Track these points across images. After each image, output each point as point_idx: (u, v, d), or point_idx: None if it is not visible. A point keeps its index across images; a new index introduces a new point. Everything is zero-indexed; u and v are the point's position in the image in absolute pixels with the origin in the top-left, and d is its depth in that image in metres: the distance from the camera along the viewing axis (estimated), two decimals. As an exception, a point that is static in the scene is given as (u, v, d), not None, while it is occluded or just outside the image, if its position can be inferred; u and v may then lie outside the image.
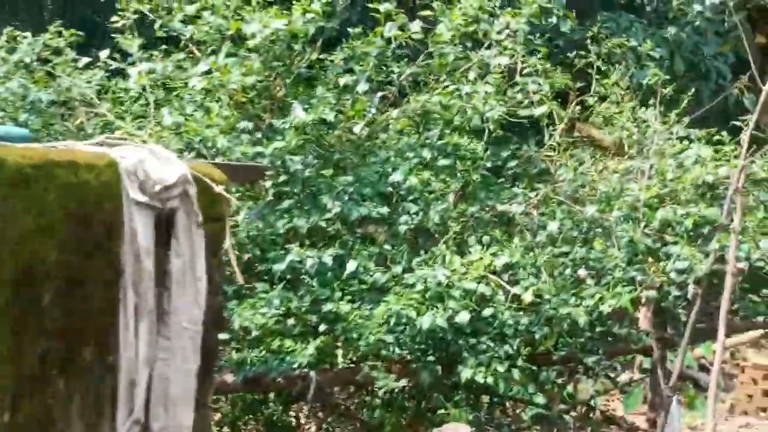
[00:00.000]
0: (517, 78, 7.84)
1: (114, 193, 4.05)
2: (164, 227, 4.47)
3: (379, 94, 8.01)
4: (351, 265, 6.90)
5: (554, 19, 9.03)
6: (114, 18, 8.53)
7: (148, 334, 4.20)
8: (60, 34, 8.96)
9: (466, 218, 7.78)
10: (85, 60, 8.87)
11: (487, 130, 8.14)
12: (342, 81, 7.75)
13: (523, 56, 7.90)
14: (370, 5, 8.33)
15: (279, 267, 7.03)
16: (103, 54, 8.79)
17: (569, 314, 6.93)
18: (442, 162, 7.64)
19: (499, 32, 7.94)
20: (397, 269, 7.13)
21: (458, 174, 7.72)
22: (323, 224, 7.20)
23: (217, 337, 5.10)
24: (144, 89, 7.99)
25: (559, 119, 8.54)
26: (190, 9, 7.59)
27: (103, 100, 8.95)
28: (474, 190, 7.88)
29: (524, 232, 7.68)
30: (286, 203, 7.57)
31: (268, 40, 7.20)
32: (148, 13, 8.14)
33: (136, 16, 8.32)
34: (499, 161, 8.37)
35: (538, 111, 7.57)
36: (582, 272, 7.24)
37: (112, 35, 8.66)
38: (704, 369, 12.35)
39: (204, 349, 4.66)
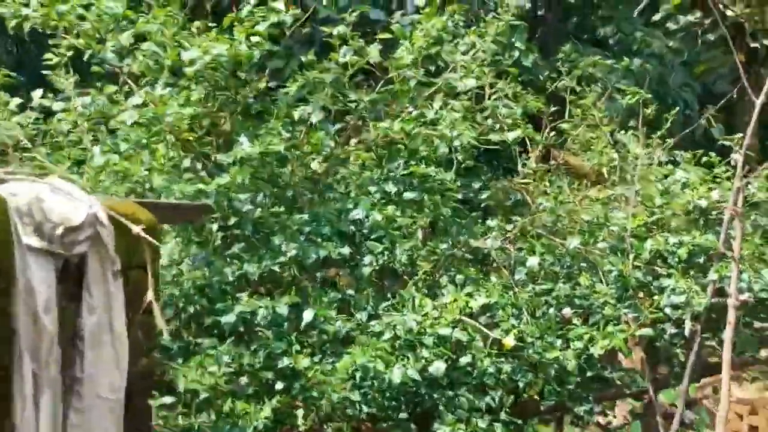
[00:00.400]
0: (486, 102, 7.25)
1: (2, 239, 3.36)
2: (73, 278, 3.82)
3: (336, 126, 7.37)
4: (308, 314, 6.20)
5: (516, 53, 8.46)
6: (47, 55, 7.87)
7: (52, 407, 3.50)
8: (-8, 77, 8.37)
9: (437, 256, 7.13)
10: (16, 101, 8.20)
11: (455, 160, 7.56)
12: (296, 113, 7.12)
13: (492, 78, 7.32)
14: (323, 28, 7.75)
15: (228, 319, 6.30)
16: (36, 94, 8.12)
17: (556, 358, 6.27)
18: (408, 195, 6.99)
19: (464, 53, 7.36)
20: (362, 316, 6.45)
21: (426, 208, 7.07)
22: (276, 269, 6.50)
23: (149, 405, 4.38)
24: (75, 128, 7.30)
25: (534, 145, 7.98)
26: (124, 38, 6.92)
27: (39, 144, 8.31)
28: (444, 226, 7.23)
29: (501, 270, 7.04)
30: (235, 247, 6.88)
31: (208, 67, 6.54)
32: (81, 47, 7.47)
33: (70, 53, 7.65)
34: (471, 193, 7.75)
35: (511, 135, 6.98)
36: (567, 311, 6.60)
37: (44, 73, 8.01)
38: (687, 405, 11.73)
39: (132, 420, 3.99)
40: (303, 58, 7.54)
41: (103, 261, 3.80)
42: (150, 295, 3.76)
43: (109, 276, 3.83)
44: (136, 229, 3.61)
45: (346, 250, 6.68)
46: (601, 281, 6.66)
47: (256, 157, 6.45)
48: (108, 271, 3.82)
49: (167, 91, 6.68)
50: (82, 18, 7.26)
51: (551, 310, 6.64)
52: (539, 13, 17.08)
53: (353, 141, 7.37)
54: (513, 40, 8.26)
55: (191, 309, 6.67)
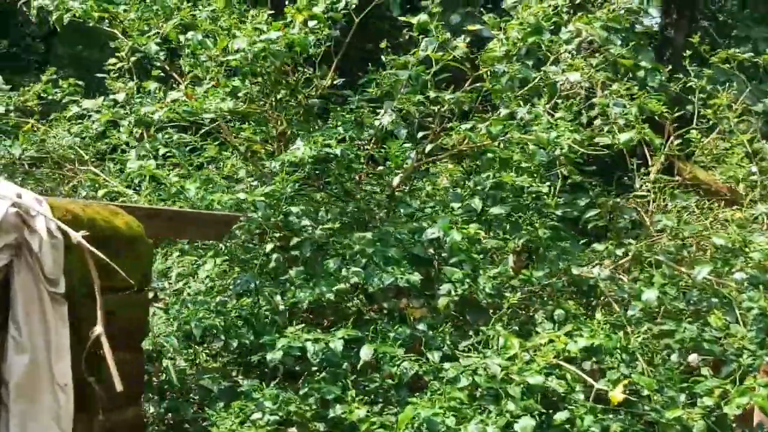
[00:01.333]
0: (595, 99, 6.09)
1: None
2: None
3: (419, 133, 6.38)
4: (366, 352, 5.19)
5: (642, 73, 7.28)
6: (111, 60, 7.17)
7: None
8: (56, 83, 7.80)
9: (532, 286, 6.00)
10: (75, 110, 7.57)
11: (559, 172, 6.47)
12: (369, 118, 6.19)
13: (599, 72, 6.17)
14: (402, 18, 6.77)
15: (273, 356, 5.35)
16: (90, 103, 7.46)
17: (678, 418, 5.04)
18: (494, 211, 5.90)
19: (567, 42, 6.23)
20: (434, 357, 5.36)
21: (519, 227, 5.96)
22: (332, 297, 5.51)
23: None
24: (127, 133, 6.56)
25: (656, 154, 6.75)
26: (169, 27, 6.11)
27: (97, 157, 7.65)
28: (541, 249, 6.09)
29: (611, 305, 5.86)
30: (293, 271, 5.92)
31: (259, 57, 5.64)
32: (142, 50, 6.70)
33: (134, 57, 6.91)
34: (575, 211, 6.57)
35: (624, 137, 5.79)
36: (694, 358, 5.37)
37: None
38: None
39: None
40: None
41: (37, 281, 2.82)
42: (98, 330, 2.81)
43: (47, 301, 2.86)
44: (76, 235, 2.66)
45: (415, 277, 5.63)
46: (738, 321, 5.39)
47: (308, 161, 5.49)
48: (44, 294, 2.84)
49: (210, 85, 5.80)
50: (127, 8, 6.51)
51: (673, 357, 5.43)
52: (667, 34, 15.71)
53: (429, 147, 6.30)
54: (639, 57, 7.20)
55: (234, 343, 5.75)
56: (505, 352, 5.16)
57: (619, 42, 6.45)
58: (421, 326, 5.66)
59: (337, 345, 5.30)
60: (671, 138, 7.04)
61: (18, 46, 14.90)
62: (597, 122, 6.03)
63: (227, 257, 5.82)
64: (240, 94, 5.83)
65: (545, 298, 6.11)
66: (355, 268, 5.65)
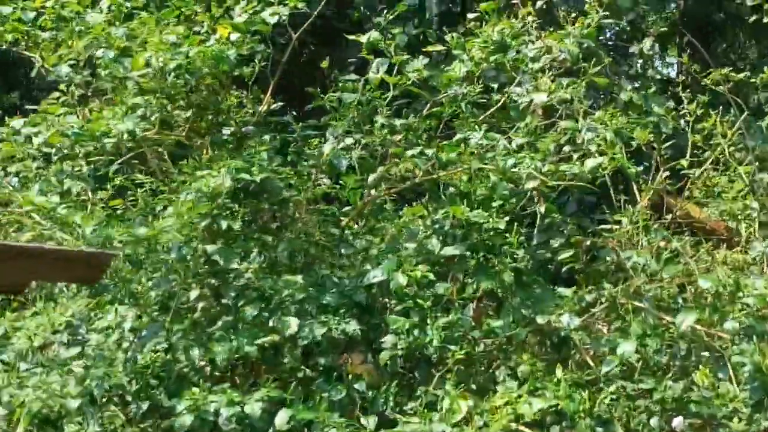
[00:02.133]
0: (562, 123, 5.39)
1: None
2: None
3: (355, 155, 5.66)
4: (281, 417, 4.44)
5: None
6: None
7: None
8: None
9: (494, 338, 5.26)
10: None
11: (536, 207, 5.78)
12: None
13: (571, 90, 5.48)
14: (350, 37, 6.14)
15: (182, 421, 4.61)
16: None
17: (659, 496, 4.27)
18: (448, 251, 5.18)
19: (534, 59, 5.56)
20: (370, 423, 4.61)
21: (483, 271, 5.23)
22: (251, 351, 4.78)
23: None
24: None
25: (644, 190, 6.02)
26: (80, 46, 5.48)
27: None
28: (505, 295, 5.35)
29: (582, 356, 5.11)
30: (221, 321, 5.21)
31: (169, 74, 5.00)
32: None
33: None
34: (548, 252, 5.83)
35: (589, 163, 5.07)
36: (678, 423, 4.60)
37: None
38: None
39: None
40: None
41: None
42: None
43: None
44: None
45: (352, 327, 4.91)
46: (730, 380, 4.63)
47: (224, 190, 4.80)
48: None
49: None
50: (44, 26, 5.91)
51: (653, 421, 4.65)
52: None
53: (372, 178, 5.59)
54: (651, 104, 6.60)
55: (144, 406, 5.02)
56: (451, 416, 4.39)
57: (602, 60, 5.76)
58: (359, 385, 4.91)
59: (255, 408, 4.56)
60: (661, 170, 6.33)
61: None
62: (566, 149, 5.31)
63: (134, 303, 5.11)
64: (152, 117, 5.17)
65: (509, 352, 5.34)
66: (285, 317, 4.93)
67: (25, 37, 6.05)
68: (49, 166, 5.56)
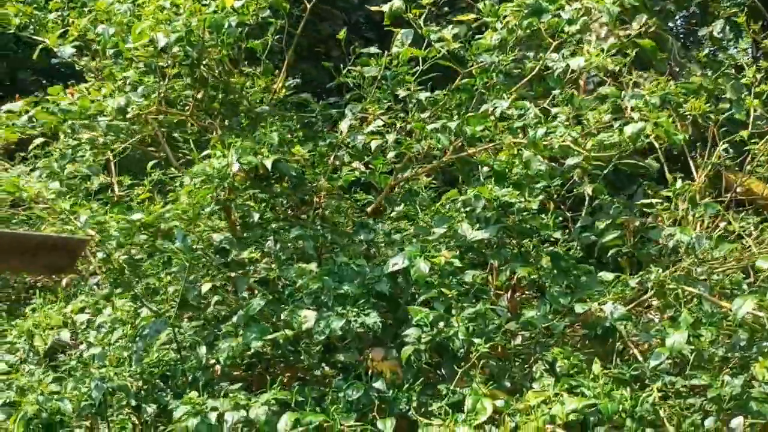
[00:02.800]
0: (604, 89, 4.89)
1: None
2: None
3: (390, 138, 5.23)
4: (284, 421, 4.03)
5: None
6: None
7: None
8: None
9: (532, 330, 4.80)
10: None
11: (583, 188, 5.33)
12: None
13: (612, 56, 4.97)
14: (372, 8, 5.72)
15: (187, 425, 4.24)
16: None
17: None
18: (475, 235, 4.72)
19: (570, 22, 5.07)
20: (387, 426, 4.19)
21: (520, 257, 4.78)
22: (258, 347, 4.41)
23: None
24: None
25: (702, 165, 5.50)
26: (82, 23, 5.15)
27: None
28: (542, 282, 4.89)
29: (629, 350, 4.62)
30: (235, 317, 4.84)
31: (170, 47, 4.64)
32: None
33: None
34: (589, 233, 5.35)
35: (628, 129, 4.54)
36: (737, 423, 4.09)
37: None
38: None
39: None
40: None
41: None
42: None
43: None
44: None
45: (372, 319, 4.49)
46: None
47: (228, 173, 4.42)
48: None
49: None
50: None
51: (708, 422, 4.14)
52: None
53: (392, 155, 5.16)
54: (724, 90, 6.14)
55: (150, 409, 4.68)
56: (474, 417, 3.95)
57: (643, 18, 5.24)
58: (379, 384, 4.49)
59: (259, 414, 4.17)
60: (719, 144, 5.78)
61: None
62: (605, 118, 4.80)
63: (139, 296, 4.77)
64: (153, 95, 4.82)
65: (548, 346, 4.88)
66: (298, 309, 4.53)
67: (32, 20, 5.75)
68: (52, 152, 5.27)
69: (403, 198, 5.64)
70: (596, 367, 4.01)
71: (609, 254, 5.27)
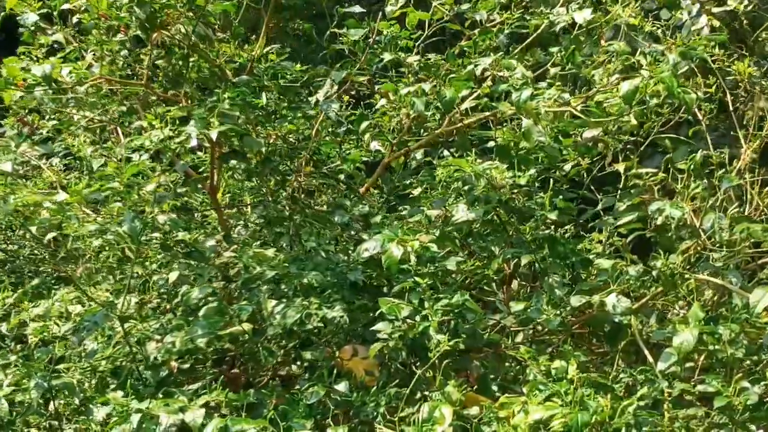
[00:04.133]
0: (614, 44, 4.25)
1: None
2: None
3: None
4: (210, 430, 3.55)
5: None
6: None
7: None
8: None
9: (526, 326, 4.24)
10: None
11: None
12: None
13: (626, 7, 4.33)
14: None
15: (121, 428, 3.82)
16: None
17: None
18: (459, 217, 4.17)
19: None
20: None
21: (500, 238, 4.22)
22: (202, 343, 3.95)
23: None
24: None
25: (751, 137, 4.85)
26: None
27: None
28: (543, 270, 4.30)
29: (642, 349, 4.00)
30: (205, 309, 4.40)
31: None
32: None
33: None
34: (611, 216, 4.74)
35: (625, 86, 3.88)
36: None
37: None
38: None
39: None
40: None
41: None
42: None
43: None
44: None
45: (336, 312, 3.98)
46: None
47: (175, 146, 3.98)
48: None
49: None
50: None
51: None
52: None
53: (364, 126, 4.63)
54: None
55: (101, 411, 4.26)
56: (429, 428, 3.41)
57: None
58: (342, 387, 3.98)
59: (195, 417, 3.70)
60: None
61: None
62: (613, 78, 4.18)
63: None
64: (103, 61, 4.40)
65: (552, 344, 4.30)
66: (254, 300, 4.06)
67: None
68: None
69: (399, 176, 5.13)
70: (572, 371, 3.41)
71: (628, 239, 4.63)
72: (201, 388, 4.16)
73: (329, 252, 4.33)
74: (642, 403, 3.25)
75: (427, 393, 3.83)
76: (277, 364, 4.40)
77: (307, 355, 4.29)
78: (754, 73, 5.08)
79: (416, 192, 5.09)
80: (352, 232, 4.65)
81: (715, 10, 6.24)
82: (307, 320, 4.04)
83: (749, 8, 6.40)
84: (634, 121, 4.54)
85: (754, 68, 5.07)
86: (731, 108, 5.40)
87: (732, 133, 5.33)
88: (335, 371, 4.12)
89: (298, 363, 4.41)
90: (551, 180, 4.36)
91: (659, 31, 4.49)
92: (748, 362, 3.93)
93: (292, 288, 4.14)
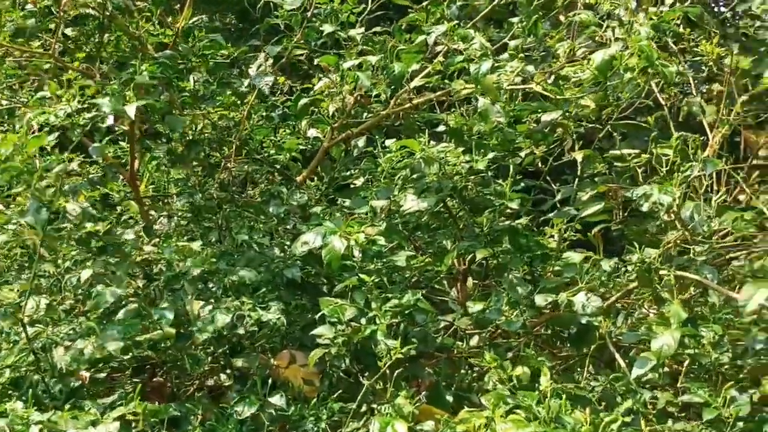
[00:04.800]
0: (579, 15, 3.83)
1: None
2: None
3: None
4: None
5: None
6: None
7: None
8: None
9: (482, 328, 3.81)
10: None
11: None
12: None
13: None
14: None
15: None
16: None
17: None
18: (410, 206, 3.73)
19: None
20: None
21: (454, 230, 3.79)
22: (114, 349, 3.44)
23: None
24: None
25: (719, 122, 4.49)
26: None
27: None
28: (502, 265, 3.88)
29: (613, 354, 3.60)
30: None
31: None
32: None
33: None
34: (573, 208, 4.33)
35: (597, 57, 3.48)
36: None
37: None
38: None
39: None
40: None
41: None
42: None
43: None
44: None
45: (270, 315, 3.51)
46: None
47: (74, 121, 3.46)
48: None
49: None
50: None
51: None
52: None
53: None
54: None
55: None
56: (382, 442, 2.96)
57: None
58: (277, 399, 3.50)
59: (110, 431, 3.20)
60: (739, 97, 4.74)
61: None
62: (580, 52, 3.76)
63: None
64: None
65: (511, 346, 3.88)
66: (174, 301, 3.56)
67: None
68: None
69: (340, 166, 4.66)
70: (544, 380, 2.98)
71: (593, 232, 4.22)
72: (117, 400, 3.68)
73: (263, 246, 3.85)
74: (628, 419, 2.83)
75: (374, 406, 3.40)
76: (204, 372, 3.91)
77: (239, 362, 3.80)
78: (722, 54, 4.73)
79: (358, 182, 4.65)
80: (289, 225, 4.17)
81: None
82: (239, 323, 3.57)
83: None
84: (592, 105, 4.15)
85: (721, 49, 4.72)
86: (695, 94, 5.07)
87: (697, 119, 5.00)
88: (270, 381, 3.65)
89: (229, 372, 3.91)
90: (510, 166, 3.93)
91: (622, 9, 4.08)
92: (727, 367, 3.55)
93: (222, 286, 3.65)
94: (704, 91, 5.65)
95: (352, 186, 4.72)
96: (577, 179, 4.68)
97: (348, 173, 4.76)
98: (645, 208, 3.32)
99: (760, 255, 4.09)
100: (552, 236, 4.61)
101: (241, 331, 3.68)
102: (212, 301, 3.53)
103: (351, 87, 3.96)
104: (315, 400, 3.55)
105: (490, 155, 3.81)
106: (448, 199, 3.85)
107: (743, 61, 5.26)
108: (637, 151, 3.85)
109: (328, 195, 4.63)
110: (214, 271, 3.68)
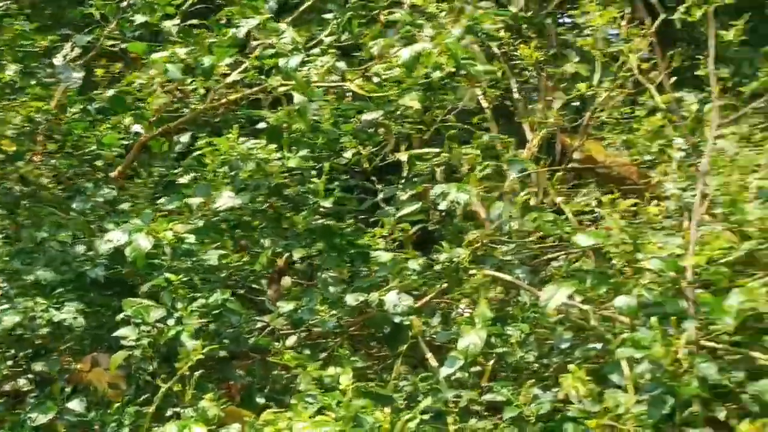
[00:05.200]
0: (395, 14, 3.82)
1: None
2: None
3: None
4: None
5: None
6: None
7: None
8: None
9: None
10: None
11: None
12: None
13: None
14: None
15: None
16: None
17: None
18: (225, 202, 3.64)
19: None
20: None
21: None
22: None
23: None
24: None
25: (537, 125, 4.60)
26: None
27: None
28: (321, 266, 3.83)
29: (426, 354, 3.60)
30: None
31: None
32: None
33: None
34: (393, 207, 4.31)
35: (406, 53, 3.47)
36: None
37: None
38: None
39: None
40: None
41: None
42: None
43: None
44: None
45: (65, 315, 3.35)
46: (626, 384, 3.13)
47: None
48: None
49: None
50: None
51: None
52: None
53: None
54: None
55: None
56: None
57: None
58: (75, 404, 3.34)
59: None
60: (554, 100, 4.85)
61: None
62: (394, 51, 3.74)
63: None
64: None
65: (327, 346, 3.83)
66: None
67: None
68: None
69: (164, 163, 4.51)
70: (344, 380, 2.94)
71: (412, 231, 4.21)
72: None
73: (65, 244, 3.67)
74: (426, 417, 2.82)
75: (178, 409, 3.28)
76: (2, 378, 3.69)
77: (38, 366, 3.60)
78: (540, 57, 4.83)
79: (184, 180, 4.49)
80: (99, 224, 3.99)
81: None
82: (31, 323, 3.38)
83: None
84: (417, 105, 4.15)
85: (540, 53, 4.81)
86: (516, 95, 5.16)
87: (517, 120, 5.08)
88: (72, 385, 3.48)
89: (30, 376, 3.71)
90: (329, 165, 3.88)
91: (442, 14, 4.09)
92: (536, 366, 3.61)
93: (15, 286, 3.45)
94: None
95: (177, 183, 4.57)
96: (403, 179, 4.68)
97: (174, 171, 4.60)
98: (443, 206, 3.33)
99: (578, 256, 4.19)
100: (383, 236, 4.59)
101: (43, 331, 3.50)
102: (3, 300, 3.33)
103: (162, 80, 3.82)
104: (118, 404, 3.40)
105: (304, 152, 3.75)
106: (269, 196, 3.77)
107: (569, 67, 5.39)
108: (437, 150, 3.87)
109: (154, 194, 4.45)
110: (4, 269, 3.47)
